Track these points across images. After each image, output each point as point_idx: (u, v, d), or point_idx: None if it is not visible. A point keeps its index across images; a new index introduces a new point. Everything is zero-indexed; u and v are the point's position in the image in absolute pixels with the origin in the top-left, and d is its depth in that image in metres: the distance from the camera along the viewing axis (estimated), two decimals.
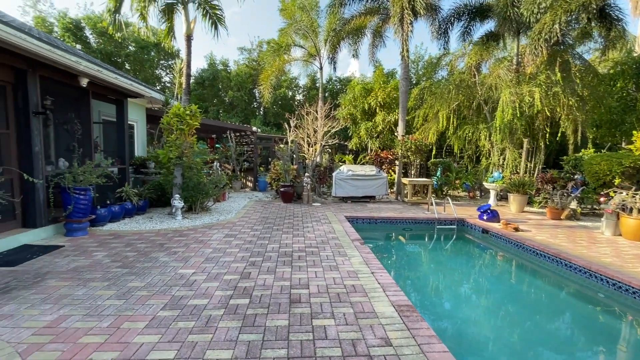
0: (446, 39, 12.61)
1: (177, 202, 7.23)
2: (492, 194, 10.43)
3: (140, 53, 23.14)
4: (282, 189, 10.09)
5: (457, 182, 11.90)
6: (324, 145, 11.73)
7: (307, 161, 11.47)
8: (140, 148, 10.34)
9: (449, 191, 12.12)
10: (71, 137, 6.76)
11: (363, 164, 13.25)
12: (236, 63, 27.18)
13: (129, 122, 8.63)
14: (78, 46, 20.63)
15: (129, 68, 23.20)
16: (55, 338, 2.53)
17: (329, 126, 11.29)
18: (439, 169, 12.38)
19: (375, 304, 3.21)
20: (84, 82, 6.04)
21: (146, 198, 7.87)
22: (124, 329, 2.68)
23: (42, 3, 24.35)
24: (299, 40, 16.23)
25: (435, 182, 11.49)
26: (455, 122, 12.33)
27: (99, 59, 15.06)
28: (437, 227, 7.95)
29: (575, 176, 9.54)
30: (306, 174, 10.27)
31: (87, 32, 21.76)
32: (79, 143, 6.66)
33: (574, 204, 8.43)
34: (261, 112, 27.53)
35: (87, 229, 5.81)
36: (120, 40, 20.90)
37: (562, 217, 8.16)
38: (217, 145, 14.40)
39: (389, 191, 10.63)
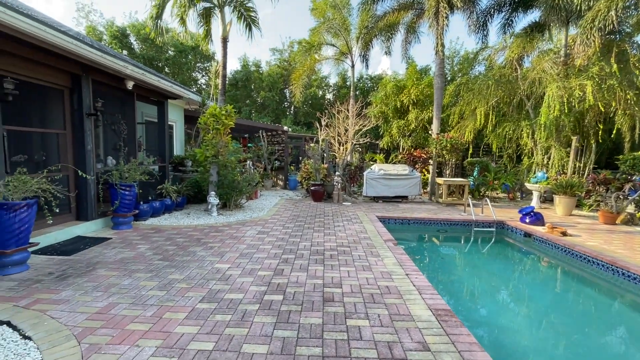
0: (484, 32, 12.01)
1: (213, 199, 7.49)
2: (535, 195, 9.78)
3: (179, 57, 24.30)
4: (312, 188, 10.13)
5: (495, 182, 11.29)
6: (355, 144, 11.62)
7: (337, 160, 11.43)
8: (178, 147, 10.85)
9: (487, 192, 11.53)
10: (117, 137, 7.23)
11: (395, 163, 12.97)
12: (268, 64, 27.73)
13: (169, 123, 9.07)
14: (124, 52, 22.08)
15: (168, 71, 24.46)
16: (106, 324, 2.70)
17: (360, 125, 11.17)
18: (476, 168, 11.83)
19: (411, 306, 3.11)
20: (130, 85, 6.43)
21: (184, 195, 8.23)
22: (165, 319, 2.80)
23: (93, 14, 26.34)
24: (330, 39, 16.21)
25: (471, 183, 10.99)
26: (494, 120, 11.70)
27: (142, 64, 15.99)
28: (475, 229, 7.59)
29: (634, 177, 8.68)
30: (337, 173, 10.24)
31: (132, 39, 23.21)
32: (125, 142, 7.11)
33: (631, 208, 7.68)
34: (291, 112, 27.89)
35: (131, 223, 6.19)
36: (161, 45, 22.07)
37: (617, 222, 7.47)
38: (249, 145, 14.78)
39: (422, 191, 10.32)
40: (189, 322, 2.76)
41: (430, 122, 14.30)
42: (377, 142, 16.65)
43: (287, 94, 27.59)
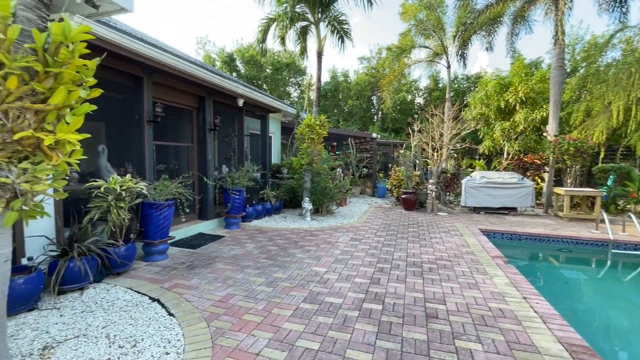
0: (622, 8, 9.80)
1: (307, 204, 7.91)
2: None
3: (275, 74, 26.68)
4: (403, 196, 9.78)
5: None
6: (451, 150, 10.80)
7: (430, 167, 10.79)
8: (275, 156, 11.84)
9: (628, 206, 9.28)
10: (228, 148, 8.30)
11: (498, 170, 11.56)
12: (356, 72, 28.16)
13: (268, 134, 10.00)
14: (233, 74, 25.39)
15: (266, 87, 27.06)
16: (226, 311, 3.08)
17: (458, 129, 10.33)
18: (611, 177, 9.66)
19: (535, 336, 2.68)
20: (240, 102, 7.33)
21: (281, 200, 8.91)
22: (274, 314, 3.04)
23: (208, 44, 31.07)
24: (421, 41, 15.58)
25: (605, 194, 9.00)
26: (638, 115, 9.40)
27: (246, 82, 18.05)
28: (613, 251, 6.16)
29: None
30: (430, 181, 9.66)
31: (238, 62, 26.52)
32: (234, 152, 8.11)
33: None
34: (379, 118, 27.63)
35: (239, 224, 6.98)
36: (261, 65, 24.64)
37: None
38: (337, 152, 15.17)
39: (534, 202, 8.91)
40: (295, 319, 2.94)
41: (543, 122, 12.34)
42: (476, 147, 15.14)
43: (375, 101, 27.47)
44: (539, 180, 10.45)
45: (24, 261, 3.33)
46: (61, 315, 2.93)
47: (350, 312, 3.08)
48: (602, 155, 10.87)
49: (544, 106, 12.28)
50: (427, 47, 15.36)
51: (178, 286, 3.66)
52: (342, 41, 9.30)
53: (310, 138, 8.04)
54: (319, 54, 8.50)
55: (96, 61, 2.06)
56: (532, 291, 3.61)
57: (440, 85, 24.89)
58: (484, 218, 8.49)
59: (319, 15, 8.43)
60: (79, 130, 2.00)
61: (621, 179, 9.62)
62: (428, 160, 10.79)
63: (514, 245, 6.80)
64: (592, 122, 10.40)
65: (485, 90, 14.44)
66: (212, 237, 6.06)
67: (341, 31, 9.12)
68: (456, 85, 23.61)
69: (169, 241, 4.82)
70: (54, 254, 3.49)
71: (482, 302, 3.34)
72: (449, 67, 14.83)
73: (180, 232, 5.91)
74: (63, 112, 1.93)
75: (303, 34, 9.24)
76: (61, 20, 1.99)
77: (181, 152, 7.55)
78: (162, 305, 3.17)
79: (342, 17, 8.96)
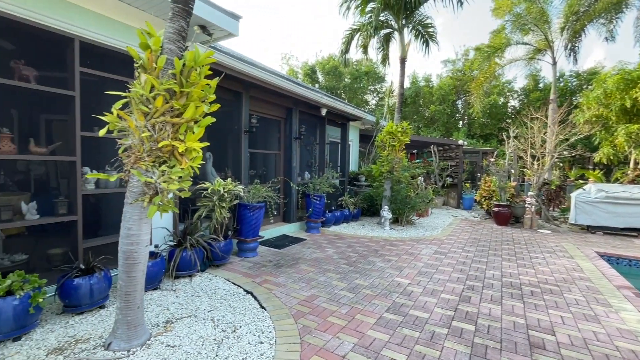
0: None
1: (386, 213, 7.75)
2: None
3: (353, 82, 27.07)
4: (495, 209, 8.81)
5: None
6: (556, 158, 9.36)
7: (528, 178, 9.51)
8: (353, 164, 11.94)
9: None
10: (310, 155, 8.69)
11: (622, 182, 9.56)
12: (439, 77, 26.73)
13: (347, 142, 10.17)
14: (316, 85, 26.68)
15: (344, 97, 27.63)
16: (312, 311, 3.21)
17: (565, 134, 8.91)
18: None
19: None
20: (324, 112, 7.65)
21: (359, 207, 8.92)
22: (357, 320, 3.05)
23: (292, 59, 33.26)
24: (518, 37, 13.98)
25: None
26: None
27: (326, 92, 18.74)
28: None
29: None
30: (529, 193, 8.51)
31: (318, 74, 27.75)
32: (316, 159, 8.46)
33: None
34: (465, 124, 25.59)
35: (319, 228, 7.22)
36: (340, 75, 25.31)
37: None
38: (417, 160, 14.51)
39: None
40: (379, 328, 2.90)
41: None
42: (590, 155, 12.81)
43: (460, 105, 25.60)
44: None
45: (151, 248, 4.03)
46: (177, 297, 3.45)
47: (437, 329, 2.91)
48: None
49: None
50: (526, 44, 13.67)
51: (267, 282, 3.97)
52: (427, 45, 8.94)
53: (391, 145, 7.90)
54: (402, 60, 8.33)
55: (217, 80, 2.41)
56: None
57: (541, 85, 21.90)
58: (602, 240, 7.09)
59: (403, 22, 8.29)
60: (199, 140, 2.37)
61: None
62: (526, 169, 9.54)
63: None
64: None
65: (604, 87, 12.12)
66: (294, 239, 6.40)
67: (426, 35, 8.79)
68: (562, 84, 20.45)
69: (258, 240, 5.27)
70: (172, 244, 4.15)
71: (606, 339, 2.79)
72: (554, 63, 12.92)
73: (267, 232, 6.40)
74: (191, 124, 2.31)
75: (386, 41, 9.19)
76: (187, 48, 2.40)
77: (268, 159, 8.20)
78: (255, 298, 3.47)
79: (428, 21, 8.63)
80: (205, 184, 4.47)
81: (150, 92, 2.16)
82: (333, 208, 8.28)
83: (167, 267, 3.88)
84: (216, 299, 3.42)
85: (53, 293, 3.02)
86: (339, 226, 7.93)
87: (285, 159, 7.22)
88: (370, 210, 9.48)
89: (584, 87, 18.99)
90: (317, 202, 6.98)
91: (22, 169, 4.31)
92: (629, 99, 11.19)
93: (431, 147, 12.94)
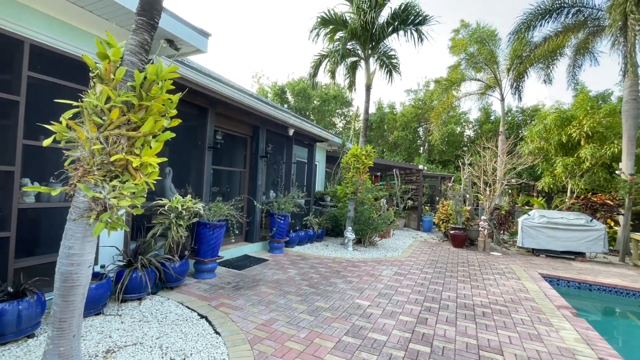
0: None
1: (350, 233, 7.83)
2: None
3: (322, 105, 27.79)
4: (452, 232, 9.26)
5: None
6: (505, 185, 10.14)
7: (482, 203, 10.18)
8: (319, 184, 12.05)
9: None
10: (276, 174, 8.65)
11: (561, 209, 10.54)
12: (402, 104, 28.30)
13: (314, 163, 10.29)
14: (285, 105, 26.95)
15: (313, 118, 28.17)
16: (269, 336, 3.10)
17: (513, 163, 9.74)
18: None
19: None
20: (291, 132, 7.72)
21: (323, 227, 8.94)
22: (316, 344, 2.99)
23: (262, 78, 33.57)
24: (472, 74, 15.35)
25: None
26: None
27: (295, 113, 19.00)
28: None
29: None
30: (482, 217, 9.08)
31: (288, 94, 28.17)
32: (281, 178, 8.42)
33: None
34: (425, 150, 27.07)
35: (283, 249, 7.09)
36: (309, 97, 25.89)
37: None
38: (381, 183, 14.98)
39: (607, 248, 7.88)
40: (337, 352, 2.86)
41: (615, 159, 11.18)
42: (534, 183, 14.05)
43: (421, 132, 27.13)
44: (612, 224, 9.30)
45: (97, 268, 3.70)
46: (122, 322, 3.17)
47: (395, 352, 2.92)
48: None
49: (615, 142, 11.17)
50: (478, 80, 15.06)
51: (224, 305, 3.78)
52: (391, 74, 9.53)
53: (356, 167, 8.11)
54: (368, 87, 8.77)
55: (179, 95, 2.37)
56: (611, 352, 3.13)
57: (492, 118, 23.97)
58: (544, 262, 7.68)
59: (369, 52, 8.80)
60: (158, 155, 2.28)
61: None
62: (480, 195, 10.22)
63: (584, 295, 6.02)
64: None
65: (544, 123, 13.58)
66: (256, 259, 6.22)
67: (390, 65, 9.37)
68: (510, 118, 22.55)
69: (218, 260, 5.05)
70: (121, 264, 3.84)
71: (548, 358, 2.97)
72: (502, 99, 14.30)
73: (228, 252, 6.16)
74: (148, 138, 2.23)
75: (352, 68, 9.66)
76: (150, 61, 2.35)
77: (233, 176, 8.03)
78: (210, 323, 3.28)
79: (392, 52, 9.25)
80: (162, 200, 4.26)
81: (105, 104, 2.07)
82: (297, 228, 8.21)
83: (114, 290, 3.57)
84: (167, 324, 3.19)
85: None
86: (302, 246, 7.85)
87: (250, 177, 7.12)
88: (334, 230, 9.52)
89: (528, 122, 21.07)
90: (282, 221, 6.89)
91: None
92: (564, 135, 12.58)
93: (394, 170, 13.46)
